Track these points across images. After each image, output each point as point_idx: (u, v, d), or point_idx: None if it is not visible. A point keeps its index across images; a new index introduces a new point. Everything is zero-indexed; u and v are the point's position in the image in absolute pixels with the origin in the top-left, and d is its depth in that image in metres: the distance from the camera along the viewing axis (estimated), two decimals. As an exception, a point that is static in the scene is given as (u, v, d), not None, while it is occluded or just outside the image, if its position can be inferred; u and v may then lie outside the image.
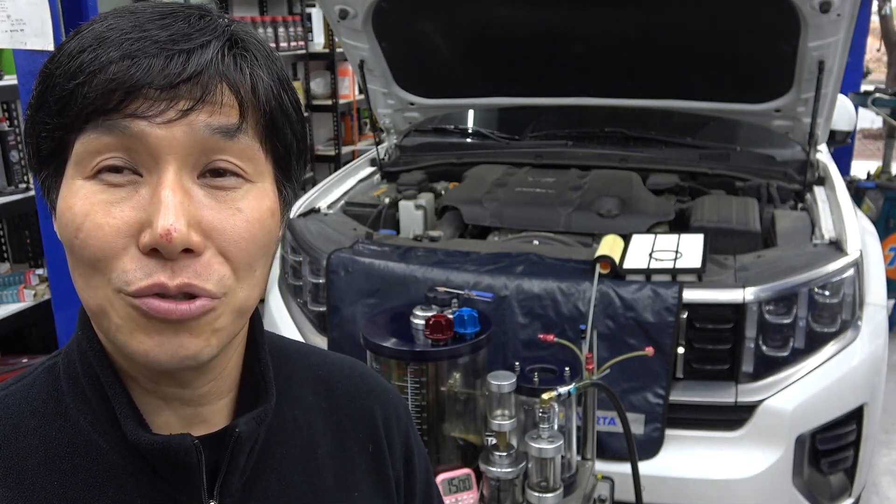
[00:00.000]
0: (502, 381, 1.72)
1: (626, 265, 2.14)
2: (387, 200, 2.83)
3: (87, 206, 0.59)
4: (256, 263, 0.64)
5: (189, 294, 0.60)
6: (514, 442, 1.74)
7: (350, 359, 0.87)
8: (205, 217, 0.60)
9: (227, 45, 0.61)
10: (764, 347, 2.11)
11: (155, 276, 0.58)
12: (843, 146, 4.09)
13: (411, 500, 0.86)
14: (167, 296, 0.59)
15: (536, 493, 1.67)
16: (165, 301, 0.59)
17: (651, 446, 2.09)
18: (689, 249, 2.22)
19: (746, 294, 2.08)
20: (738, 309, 2.09)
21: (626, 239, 2.32)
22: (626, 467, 1.86)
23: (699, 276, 2.14)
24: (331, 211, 2.79)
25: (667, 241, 2.30)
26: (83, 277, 0.61)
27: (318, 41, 5.65)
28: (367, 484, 0.79)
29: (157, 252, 0.58)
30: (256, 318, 0.73)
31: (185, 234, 0.58)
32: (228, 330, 0.64)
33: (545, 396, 1.63)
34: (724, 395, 2.11)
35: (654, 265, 2.14)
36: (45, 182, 0.64)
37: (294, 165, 0.68)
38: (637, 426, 2.08)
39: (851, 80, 5.03)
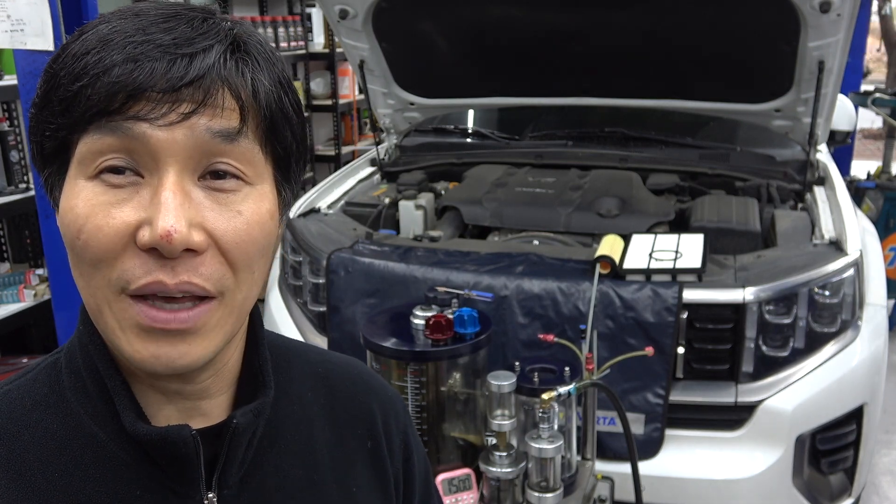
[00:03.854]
0: (502, 381, 1.72)
1: (626, 265, 2.14)
2: (387, 200, 2.83)
3: (88, 207, 0.60)
4: (255, 265, 0.65)
5: (188, 293, 0.60)
6: (514, 442, 1.74)
7: (349, 358, 0.88)
8: (206, 218, 0.61)
9: (229, 49, 0.62)
10: (764, 347, 2.11)
11: (155, 274, 0.59)
12: (843, 146, 4.09)
13: (410, 498, 0.87)
14: (166, 297, 0.60)
15: (536, 493, 1.67)
16: (164, 311, 0.60)
17: (651, 446, 2.09)
18: (689, 249, 2.22)
19: (746, 294, 2.08)
20: (738, 309, 2.09)
21: (626, 239, 2.32)
22: (626, 467, 1.86)
23: (699, 276, 2.14)
24: (331, 211, 2.79)
25: (667, 241, 2.30)
26: (84, 277, 0.62)
27: (318, 41, 5.65)
28: (365, 480, 0.80)
29: (157, 251, 0.59)
30: (256, 314, 0.74)
31: (185, 235, 0.58)
32: (227, 330, 0.65)
33: (545, 396, 1.63)
34: (724, 395, 2.11)
35: (654, 265, 2.14)
36: (48, 180, 0.64)
37: (293, 167, 0.69)
38: (637, 426, 2.08)
39: (851, 80, 5.03)
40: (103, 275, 0.60)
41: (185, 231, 0.58)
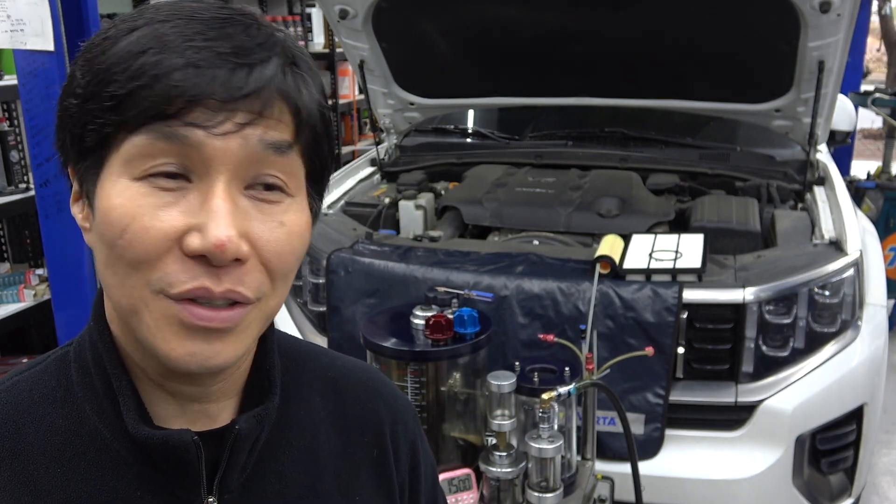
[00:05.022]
0: (502, 381, 1.72)
1: (626, 265, 2.14)
2: (387, 200, 2.83)
3: (133, 207, 0.59)
4: (291, 273, 0.66)
5: (231, 301, 0.61)
6: (514, 442, 1.74)
7: (361, 363, 0.87)
8: (253, 229, 0.61)
9: (286, 63, 0.62)
10: (764, 347, 2.12)
11: (200, 280, 0.59)
12: (843, 146, 4.09)
13: None
14: (208, 301, 0.60)
15: (536, 493, 1.67)
16: (206, 308, 0.60)
17: (651, 446, 2.09)
18: (689, 249, 2.22)
19: (746, 294, 2.08)
20: (738, 309, 2.09)
21: (626, 239, 2.32)
22: (626, 467, 1.86)
23: (699, 276, 2.14)
24: (331, 211, 2.79)
25: (667, 241, 2.30)
26: (118, 276, 0.61)
27: (318, 41, 5.65)
28: (369, 488, 0.79)
29: (203, 257, 0.59)
30: None
31: (237, 245, 0.59)
32: (255, 333, 0.66)
33: (545, 396, 1.63)
34: (724, 395, 2.11)
35: (654, 265, 2.14)
36: (81, 173, 0.63)
37: (324, 181, 0.70)
38: (637, 426, 2.08)
39: (851, 80, 5.03)
40: (142, 275, 0.60)
41: (237, 241, 0.59)
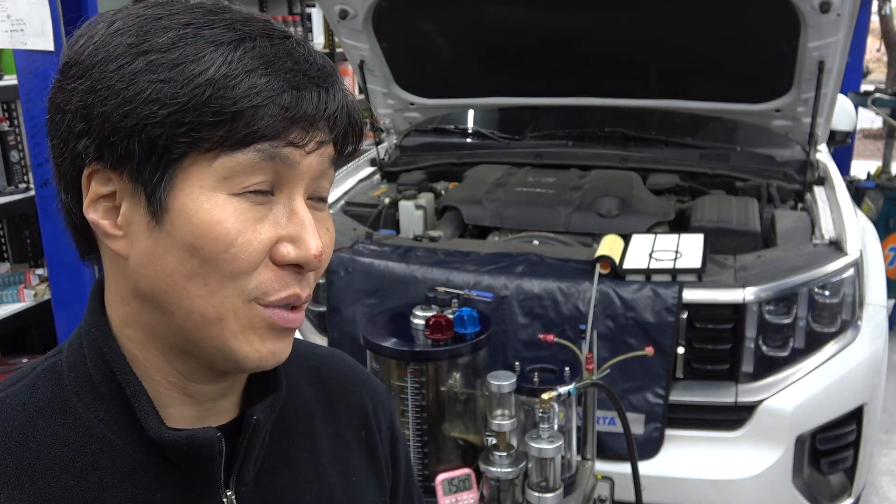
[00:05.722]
0: (502, 381, 1.72)
1: (626, 265, 2.14)
2: (387, 200, 2.83)
3: (239, 223, 0.61)
4: None
5: (307, 302, 0.67)
6: (514, 442, 1.74)
7: (335, 350, 0.92)
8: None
9: (341, 85, 0.66)
10: (764, 347, 2.12)
11: (292, 288, 0.65)
12: (843, 146, 4.09)
13: (397, 480, 0.90)
14: (291, 306, 0.65)
15: (536, 493, 1.67)
16: (289, 311, 0.66)
17: (651, 446, 2.09)
18: (689, 249, 2.22)
19: (746, 294, 2.08)
20: (738, 309, 2.09)
21: (626, 239, 2.33)
22: (626, 467, 1.86)
23: (699, 276, 2.14)
24: (331, 211, 2.78)
25: (667, 241, 2.30)
26: (209, 287, 0.62)
27: (318, 41, 5.65)
28: (363, 468, 0.83)
29: (291, 266, 0.64)
30: None
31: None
32: None
33: (545, 396, 1.63)
34: (724, 395, 2.11)
35: (654, 265, 2.14)
36: (154, 180, 0.61)
37: None
38: (637, 426, 2.08)
39: (851, 80, 5.03)
40: (238, 285, 0.62)
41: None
